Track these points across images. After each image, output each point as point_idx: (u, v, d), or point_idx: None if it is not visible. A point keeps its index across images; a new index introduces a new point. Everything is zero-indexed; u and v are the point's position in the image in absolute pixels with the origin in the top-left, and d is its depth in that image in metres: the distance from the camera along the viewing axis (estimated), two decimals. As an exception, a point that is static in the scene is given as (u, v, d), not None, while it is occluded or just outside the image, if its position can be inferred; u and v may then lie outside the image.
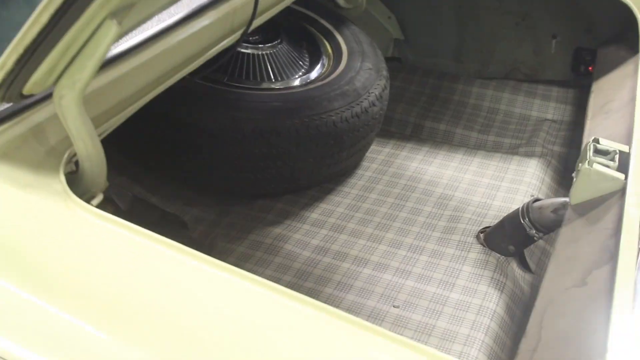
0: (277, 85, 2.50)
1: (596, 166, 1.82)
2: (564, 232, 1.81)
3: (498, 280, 2.08)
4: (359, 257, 2.20)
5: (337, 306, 1.99)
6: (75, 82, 1.30)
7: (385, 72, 2.61)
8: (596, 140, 1.90)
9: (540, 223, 2.04)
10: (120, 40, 1.66)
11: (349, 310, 1.99)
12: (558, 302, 1.57)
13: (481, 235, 2.24)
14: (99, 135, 1.51)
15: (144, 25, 1.69)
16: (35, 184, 1.35)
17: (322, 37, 2.78)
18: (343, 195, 2.49)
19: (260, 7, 2.09)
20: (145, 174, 2.43)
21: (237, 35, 2.01)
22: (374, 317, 1.98)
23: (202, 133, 2.19)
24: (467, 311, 1.98)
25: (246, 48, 2.54)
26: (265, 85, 2.49)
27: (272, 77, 2.53)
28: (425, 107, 3.02)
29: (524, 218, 2.07)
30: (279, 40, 2.65)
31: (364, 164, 2.67)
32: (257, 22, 2.22)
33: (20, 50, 1.13)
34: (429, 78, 3.22)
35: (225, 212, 2.39)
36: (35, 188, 1.34)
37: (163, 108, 2.15)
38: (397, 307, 2.02)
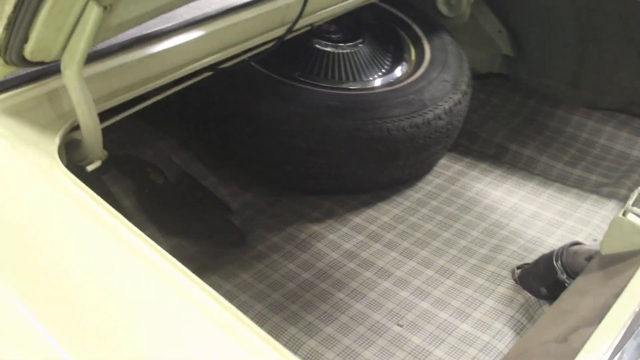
0: (345, 85, 2.49)
1: (630, 217, 1.64)
2: (577, 282, 1.65)
3: (518, 320, 1.94)
4: (384, 269, 2.15)
5: (342, 312, 1.99)
6: (74, 56, 1.41)
7: (464, 87, 2.51)
8: (647, 190, 1.71)
9: (571, 268, 1.87)
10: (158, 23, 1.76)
11: (352, 318, 1.97)
12: (530, 354, 1.44)
13: (517, 270, 2.09)
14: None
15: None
16: (35, 142, 1.48)
17: (409, 43, 2.73)
18: (394, 204, 2.44)
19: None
20: (207, 153, 2.53)
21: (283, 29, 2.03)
22: (374, 331, 1.93)
23: (255, 120, 2.25)
24: (471, 345, 1.87)
25: (325, 46, 2.56)
26: (334, 84, 2.49)
27: (344, 76, 2.52)
28: (516, 130, 2.85)
29: (557, 260, 1.91)
30: (359, 41, 2.64)
31: (429, 177, 2.59)
32: (325, 17, 2.26)
33: (4, 19, 1.26)
34: (530, 99, 3.03)
35: (275, 202, 2.44)
36: (33, 146, 1.47)
37: (225, 93, 2.25)
38: (401, 326, 1.96)
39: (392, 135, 2.27)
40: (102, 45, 1.67)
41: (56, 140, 1.48)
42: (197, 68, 1.88)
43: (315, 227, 2.32)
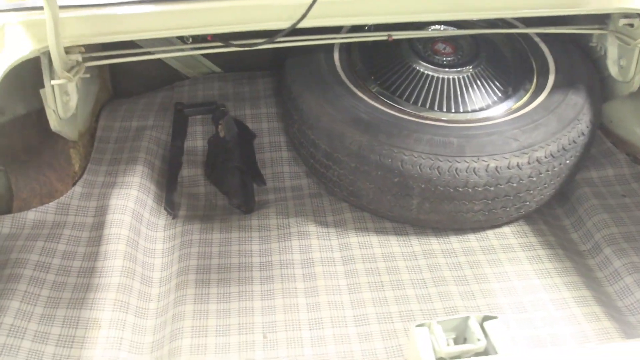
0: (428, 114, 2.30)
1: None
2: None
3: None
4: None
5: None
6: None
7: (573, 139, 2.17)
8: None
9: None
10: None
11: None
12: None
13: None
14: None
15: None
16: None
17: (533, 74, 2.39)
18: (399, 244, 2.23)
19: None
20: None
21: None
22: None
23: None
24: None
25: (425, 68, 2.41)
26: (417, 110, 2.32)
27: (433, 103, 2.35)
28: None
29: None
30: (469, 66, 2.40)
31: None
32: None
33: None
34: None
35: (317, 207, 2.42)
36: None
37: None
38: (265, 337, 1.89)
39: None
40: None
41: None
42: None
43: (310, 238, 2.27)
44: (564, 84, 2.31)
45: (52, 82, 1.96)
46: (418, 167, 2.08)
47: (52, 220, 2.24)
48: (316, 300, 2.03)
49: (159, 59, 2.90)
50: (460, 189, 2.09)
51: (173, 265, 2.17)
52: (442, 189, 2.09)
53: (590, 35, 2.44)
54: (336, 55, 2.44)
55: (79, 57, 2.03)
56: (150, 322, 2.00)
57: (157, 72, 2.95)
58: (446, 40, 2.49)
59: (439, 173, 2.07)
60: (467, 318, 1.36)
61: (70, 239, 2.19)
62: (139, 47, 2.56)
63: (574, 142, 2.17)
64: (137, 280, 2.09)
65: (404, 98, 2.35)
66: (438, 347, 1.31)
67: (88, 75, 2.23)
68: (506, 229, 2.29)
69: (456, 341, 1.38)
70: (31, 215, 2.23)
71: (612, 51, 2.37)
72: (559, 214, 2.40)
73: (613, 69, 2.39)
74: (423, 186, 2.10)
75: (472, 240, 2.25)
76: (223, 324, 1.96)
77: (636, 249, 2.17)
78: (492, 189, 2.10)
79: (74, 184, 2.34)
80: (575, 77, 2.33)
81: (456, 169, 2.06)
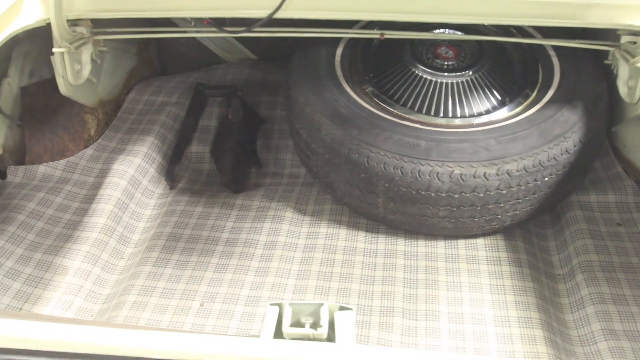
0: (427, 120, 2.27)
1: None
2: None
3: None
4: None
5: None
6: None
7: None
8: None
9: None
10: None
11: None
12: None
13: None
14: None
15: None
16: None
17: (538, 86, 2.33)
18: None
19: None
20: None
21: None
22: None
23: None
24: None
25: (423, 72, 2.39)
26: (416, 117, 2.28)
27: (430, 109, 2.34)
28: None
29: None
30: (470, 72, 2.37)
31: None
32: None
33: None
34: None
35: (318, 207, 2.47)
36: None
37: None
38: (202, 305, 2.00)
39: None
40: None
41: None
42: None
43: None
44: (561, 99, 2.21)
45: (54, 49, 2.17)
46: (382, 165, 2.09)
47: (58, 176, 2.48)
48: (262, 280, 2.11)
49: (201, 43, 3.09)
50: (423, 192, 2.07)
51: (151, 230, 2.33)
52: (404, 189, 2.09)
53: (608, 52, 2.32)
54: (339, 51, 2.49)
55: (84, 30, 2.24)
56: (113, 277, 2.18)
57: (198, 54, 3.14)
58: (450, 44, 2.46)
59: (402, 174, 2.07)
60: (321, 305, 1.39)
61: (69, 194, 2.42)
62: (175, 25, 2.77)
63: (555, 159, 2.08)
64: (115, 239, 2.27)
65: (394, 99, 2.36)
66: (281, 327, 1.35)
67: (104, 49, 2.45)
68: (480, 241, 2.24)
69: (313, 326, 1.42)
70: (42, 169, 2.48)
71: (622, 70, 2.24)
72: (547, 234, 2.31)
73: (622, 90, 2.25)
74: (387, 185, 2.10)
75: (440, 247, 2.23)
76: (170, 287, 2.09)
77: (611, 280, 2.06)
78: (456, 196, 2.07)
79: (86, 146, 2.57)
80: (578, 94, 2.23)
81: (419, 172, 2.06)
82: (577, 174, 2.22)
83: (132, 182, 2.45)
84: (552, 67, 2.36)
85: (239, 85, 2.88)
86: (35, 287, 2.08)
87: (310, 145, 2.27)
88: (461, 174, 2.04)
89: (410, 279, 2.11)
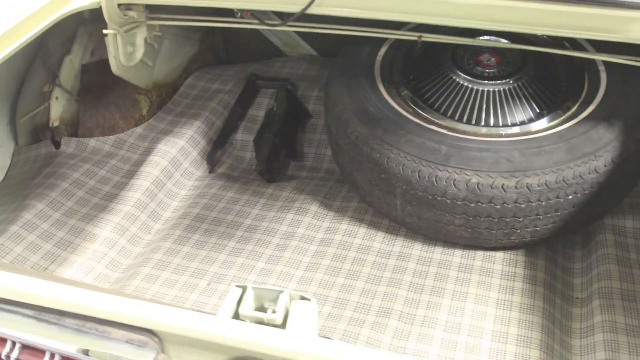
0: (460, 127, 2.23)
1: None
2: None
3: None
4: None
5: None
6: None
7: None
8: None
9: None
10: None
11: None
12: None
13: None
14: None
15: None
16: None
17: (579, 101, 2.23)
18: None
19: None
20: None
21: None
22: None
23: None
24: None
25: (462, 79, 2.35)
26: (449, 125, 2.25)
27: (464, 116, 2.30)
28: None
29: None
30: (510, 81, 2.31)
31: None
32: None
33: None
34: None
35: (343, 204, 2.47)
36: None
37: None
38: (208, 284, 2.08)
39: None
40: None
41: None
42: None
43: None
44: (600, 115, 2.11)
45: (104, 31, 2.31)
46: (401, 167, 2.08)
47: (107, 150, 2.64)
48: (272, 267, 2.16)
49: (264, 36, 3.18)
50: (439, 198, 2.05)
51: (181, 210, 2.44)
52: (421, 193, 2.07)
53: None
54: (382, 51, 2.49)
55: (136, 15, 2.37)
56: (137, 250, 2.30)
57: (261, 46, 3.23)
58: (494, 51, 2.40)
59: (419, 177, 2.05)
60: (281, 292, 1.42)
61: (113, 168, 2.57)
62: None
63: (581, 177, 2.00)
64: (146, 214, 2.39)
65: (428, 103, 2.33)
66: (239, 308, 1.39)
67: (159, 33, 2.58)
68: (499, 254, 2.18)
69: (275, 312, 1.44)
70: (92, 142, 2.65)
71: (672, 91, 2.11)
72: (575, 256, 2.22)
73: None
74: (404, 187, 2.09)
75: (457, 255, 2.19)
76: (183, 264, 2.18)
77: (629, 309, 1.95)
78: (472, 205, 2.03)
79: (136, 125, 2.72)
80: (619, 112, 2.12)
81: (436, 177, 2.03)
82: (610, 196, 2.11)
83: (172, 162, 2.56)
84: (599, 82, 2.26)
85: (292, 79, 2.94)
86: (64, 250, 2.23)
87: (338, 141, 2.30)
88: (478, 183, 2.00)
89: (417, 283, 2.09)
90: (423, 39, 2.29)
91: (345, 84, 2.35)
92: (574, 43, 2.38)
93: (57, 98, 2.62)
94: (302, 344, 1.22)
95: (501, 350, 1.86)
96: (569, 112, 2.21)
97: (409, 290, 2.06)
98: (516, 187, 1.98)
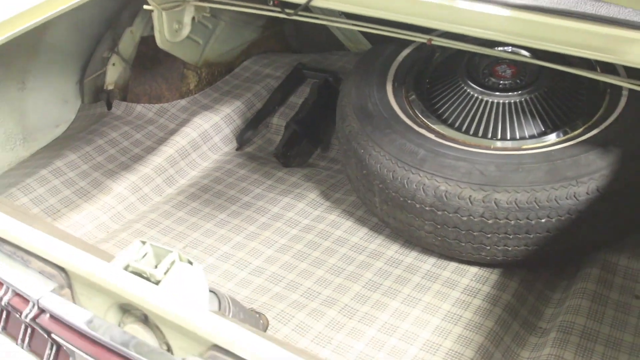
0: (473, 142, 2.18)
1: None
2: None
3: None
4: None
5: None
6: None
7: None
8: None
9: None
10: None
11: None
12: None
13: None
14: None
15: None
16: None
17: (590, 123, 2.12)
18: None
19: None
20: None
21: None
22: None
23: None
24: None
25: (475, 90, 2.28)
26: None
27: (463, 125, 2.25)
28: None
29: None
30: (516, 95, 2.23)
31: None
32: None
33: None
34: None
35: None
36: None
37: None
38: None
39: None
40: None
41: None
42: None
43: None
44: (599, 141, 1.98)
45: (144, 6, 2.53)
46: (379, 165, 2.09)
47: (149, 117, 2.87)
48: (247, 242, 2.26)
49: (329, 29, 3.27)
50: (409, 201, 2.04)
51: (197, 180, 2.61)
52: (394, 194, 2.07)
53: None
54: (405, 52, 2.48)
55: (180, -5, 2.57)
56: (143, 208, 2.49)
57: (325, 39, 3.32)
58: (511, 62, 2.31)
59: (393, 177, 2.05)
60: (170, 252, 1.52)
61: (148, 133, 2.80)
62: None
63: (556, 201, 1.89)
64: (162, 178, 2.59)
65: (432, 109, 2.31)
66: (131, 259, 1.52)
67: (208, 14, 2.76)
68: (473, 269, 2.12)
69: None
70: (138, 108, 2.90)
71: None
72: (558, 285, 2.10)
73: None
74: (380, 186, 2.10)
75: (428, 263, 2.16)
76: (171, 227, 2.35)
77: (582, 348, 1.83)
78: (439, 213, 1.99)
79: (181, 97, 2.93)
80: (623, 141, 1.96)
81: (407, 179, 2.02)
82: (596, 228, 1.97)
83: (202, 135, 2.74)
84: (615, 107, 2.11)
85: (341, 73, 3.00)
86: (80, 198, 2.48)
87: (337, 134, 2.35)
88: (446, 192, 1.96)
89: (375, 282, 2.09)
90: (433, 42, 2.26)
91: (357, 79, 2.39)
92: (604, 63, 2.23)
93: (114, 64, 2.89)
94: (163, 300, 1.28)
95: (425, 360, 1.83)
96: (575, 132, 2.09)
97: (363, 287, 2.07)
98: (483, 201, 1.92)
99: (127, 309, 1.47)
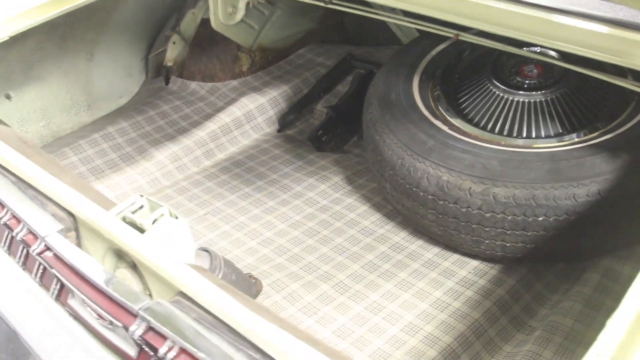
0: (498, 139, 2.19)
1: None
2: None
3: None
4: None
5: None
6: None
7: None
8: None
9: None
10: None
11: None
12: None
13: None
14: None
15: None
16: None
17: (608, 127, 2.09)
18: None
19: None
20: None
21: None
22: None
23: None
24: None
25: (498, 89, 2.29)
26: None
27: (480, 119, 2.28)
28: None
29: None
30: (538, 95, 2.22)
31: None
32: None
33: None
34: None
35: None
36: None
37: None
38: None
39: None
40: None
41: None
42: None
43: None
44: (610, 145, 1.95)
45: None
46: (390, 152, 2.15)
47: (201, 94, 3.06)
48: (263, 216, 2.39)
49: (387, 25, 3.34)
50: (414, 189, 2.09)
51: (233, 155, 2.76)
52: (401, 180, 2.13)
53: None
54: (440, 47, 2.52)
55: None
56: (179, 177, 2.67)
57: (383, 33, 3.39)
58: (538, 62, 2.30)
59: (401, 165, 2.11)
60: (160, 206, 1.66)
61: (198, 109, 2.98)
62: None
63: (555, 201, 1.89)
64: (201, 150, 2.76)
65: (454, 104, 2.34)
66: (127, 210, 1.68)
67: (262, 1, 2.91)
68: (473, 263, 2.14)
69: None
70: (193, 85, 3.09)
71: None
72: (558, 287, 2.09)
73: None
74: (390, 172, 2.17)
75: (431, 252, 2.20)
76: (197, 194, 2.51)
77: (563, 348, 1.82)
78: (440, 202, 2.03)
79: (233, 78, 3.09)
80: (634, 147, 1.93)
81: (414, 167, 2.08)
82: (596, 232, 1.95)
83: (247, 115, 2.89)
84: (638, 113, 2.07)
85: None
86: (124, 161, 2.69)
87: (362, 122, 2.42)
88: (448, 182, 2.00)
89: (374, 264, 2.16)
90: (460, 37, 2.29)
91: (388, 69, 2.46)
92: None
93: (174, 43, 3.09)
94: (144, 247, 1.41)
95: (402, 340, 1.88)
96: (592, 135, 2.07)
97: (362, 267, 2.14)
98: (482, 194, 1.95)
99: (120, 255, 1.62)
